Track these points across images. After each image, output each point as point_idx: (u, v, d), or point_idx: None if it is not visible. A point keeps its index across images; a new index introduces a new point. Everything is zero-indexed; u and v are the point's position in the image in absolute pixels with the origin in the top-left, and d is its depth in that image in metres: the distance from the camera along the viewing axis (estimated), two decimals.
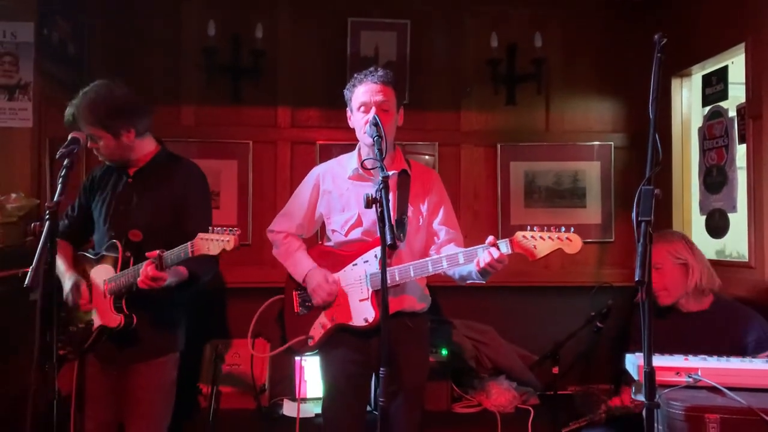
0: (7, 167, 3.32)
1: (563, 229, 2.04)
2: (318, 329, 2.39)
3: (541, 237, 2.04)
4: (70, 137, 2.30)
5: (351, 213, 2.42)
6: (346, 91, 2.43)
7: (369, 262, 2.32)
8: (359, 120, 2.34)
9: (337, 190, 2.47)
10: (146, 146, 2.53)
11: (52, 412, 2.02)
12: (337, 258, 2.43)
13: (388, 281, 2.09)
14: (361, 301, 2.31)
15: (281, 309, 2.54)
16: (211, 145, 3.81)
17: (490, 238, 2.12)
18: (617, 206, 3.97)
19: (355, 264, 2.35)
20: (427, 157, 3.95)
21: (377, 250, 2.22)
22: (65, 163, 2.16)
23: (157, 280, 2.22)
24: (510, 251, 2.08)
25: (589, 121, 4.05)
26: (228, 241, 2.09)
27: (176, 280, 2.32)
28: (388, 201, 1.93)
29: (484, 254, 2.10)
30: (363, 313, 2.30)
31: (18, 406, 2.46)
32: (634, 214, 1.74)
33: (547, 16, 3.97)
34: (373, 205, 1.93)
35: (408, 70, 3.88)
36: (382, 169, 2.04)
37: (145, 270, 2.21)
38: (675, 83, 3.74)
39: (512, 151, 3.98)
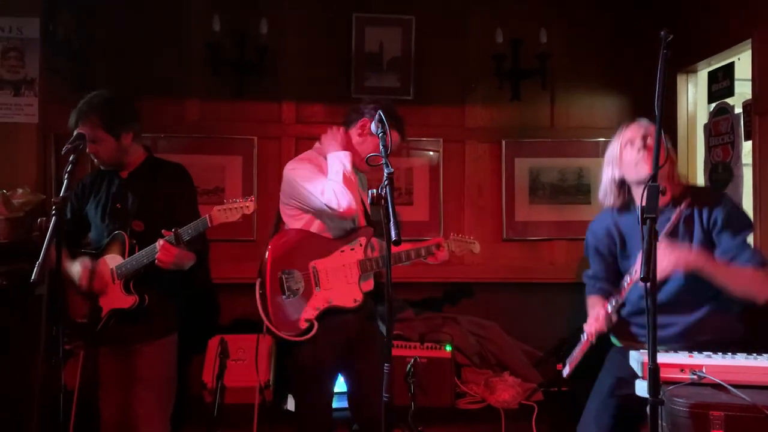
0: (12, 162, 3.34)
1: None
2: (312, 312, 2.46)
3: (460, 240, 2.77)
4: (75, 133, 2.38)
5: None
6: (371, 121, 2.41)
7: (355, 250, 2.54)
8: (371, 151, 2.45)
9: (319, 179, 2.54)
10: (137, 151, 2.66)
11: (59, 406, 2.04)
12: (321, 242, 2.54)
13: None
14: (350, 283, 2.50)
15: (261, 295, 2.48)
16: (216, 140, 3.82)
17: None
18: None
19: (343, 251, 2.53)
20: (431, 153, 3.95)
21: (361, 240, 2.54)
22: (71, 158, 2.22)
23: (168, 253, 2.36)
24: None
25: (593, 117, 4.04)
26: (247, 206, 2.36)
27: (189, 263, 2.49)
28: (393, 198, 1.94)
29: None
30: (353, 294, 2.50)
31: (24, 399, 2.48)
32: (639, 211, 1.73)
33: (552, 11, 3.96)
34: (378, 202, 1.96)
35: (413, 65, 3.88)
36: (387, 165, 2.05)
37: (163, 246, 2.34)
38: (681, 79, 3.73)
39: (517, 147, 3.98)
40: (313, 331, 2.44)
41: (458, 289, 3.94)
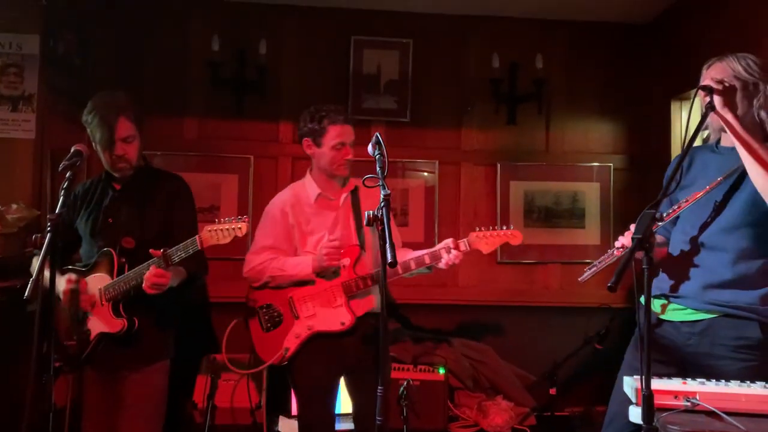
0: (8, 178, 3.33)
1: (505, 227, 2.56)
2: (293, 340, 2.50)
3: (490, 235, 2.53)
4: (73, 150, 2.28)
5: (320, 233, 2.56)
6: (309, 123, 2.55)
7: (336, 273, 2.52)
8: (332, 155, 2.54)
9: (304, 218, 2.60)
10: None
11: (48, 424, 2.01)
12: None
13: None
14: (335, 307, 2.49)
15: (247, 330, 2.60)
16: (213, 158, 3.84)
17: (449, 241, 2.49)
18: (616, 227, 3.98)
19: (324, 276, 2.53)
20: (426, 174, 3.97)
21: (344, 261, 2.50)
22: (68, 175, 2.16)
23: (162, 278, 2.23)
24: (468, 249, 2.50)
25: (588, 142, 4.08)
26: (240, 228, 2.22)
27: (178, 280, 2.36)
28: (389, 219, 1.95)
29: (451, 255, 2.47)
30: (339, 317, 2.48)
31: (14, 417, 2.45)
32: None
33: (549, 37, 4.01)
34: (374, 224, 1.97)
35: (410, 87, 3.92)
36: (384, 187, 2.06)
37: (150, 271, 2.22)
38: (675, 106, 3.76)
39: (512, 171, 4.00)
40: (287, 357, 2.47)
41: None
